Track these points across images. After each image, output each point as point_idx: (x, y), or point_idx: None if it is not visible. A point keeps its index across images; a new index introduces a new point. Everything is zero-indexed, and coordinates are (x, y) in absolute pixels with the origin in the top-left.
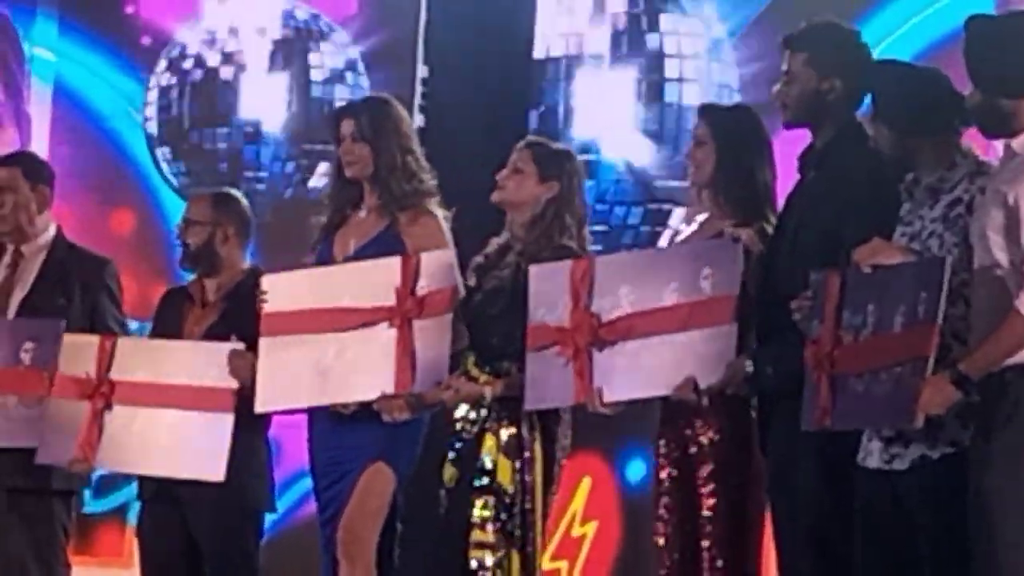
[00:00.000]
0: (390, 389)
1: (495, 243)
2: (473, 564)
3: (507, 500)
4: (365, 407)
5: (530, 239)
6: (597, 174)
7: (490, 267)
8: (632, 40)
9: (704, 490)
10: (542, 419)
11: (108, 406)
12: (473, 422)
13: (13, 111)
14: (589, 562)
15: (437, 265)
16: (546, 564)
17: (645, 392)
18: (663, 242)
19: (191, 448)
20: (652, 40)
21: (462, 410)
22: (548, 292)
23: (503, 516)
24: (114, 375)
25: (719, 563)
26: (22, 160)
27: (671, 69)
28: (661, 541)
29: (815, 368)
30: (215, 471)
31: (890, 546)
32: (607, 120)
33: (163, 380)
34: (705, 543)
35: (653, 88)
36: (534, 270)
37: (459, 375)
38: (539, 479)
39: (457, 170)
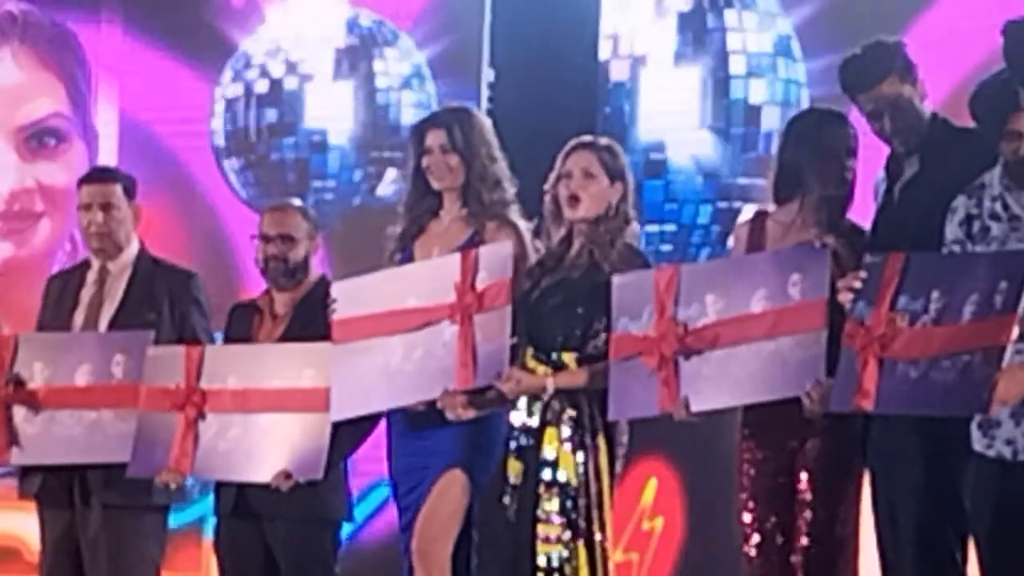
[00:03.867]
0: (452, 386)
1: (553, 240)
2: (542, 560)
3: (571, 492)
4: (441, 411)
5: (595, 237)
6: (665, 173)
7: (550, 264)
8: (696, 37)
9: (802, 500)
10: (602, 415)
11: (201, 415)
12: (532, 414)
13: (81, 125)
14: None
15: (496, 257)
16: (618, 556)
17: (733, 400)
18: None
19: (290, 451)
20: (717, 37)
21: (520, 408)
22: (632, 301)
23: (568, 508)
24: (204, 384)
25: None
26: (120, 176)
27: (736, 65)
28: (753, 552)
29: (861, 349)
30: (315, 471)
31: None
32: (674, 119)
33: (256, 385)
34: (797, 558)
35: (719, 85)
36: (617, 280)
37: (517, 367)
38: (604, 469)
39: (523, 174)
